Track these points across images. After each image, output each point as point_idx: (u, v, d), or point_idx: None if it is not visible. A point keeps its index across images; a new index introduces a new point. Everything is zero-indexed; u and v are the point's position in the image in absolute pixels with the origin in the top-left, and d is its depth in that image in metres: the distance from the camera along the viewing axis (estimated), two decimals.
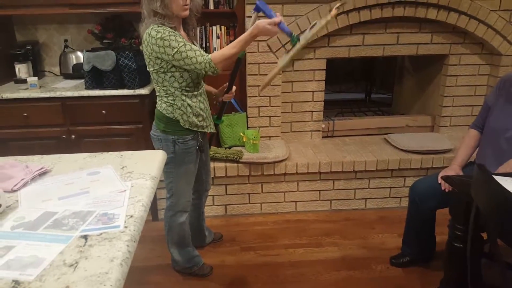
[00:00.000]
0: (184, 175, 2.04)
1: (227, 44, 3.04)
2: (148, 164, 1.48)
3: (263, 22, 1.78)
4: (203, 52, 1.79)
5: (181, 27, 1.93)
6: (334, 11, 1.91)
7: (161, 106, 1.93)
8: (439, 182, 2.09)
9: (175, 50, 1.73)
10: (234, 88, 2.29)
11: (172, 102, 1.89)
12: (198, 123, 1.97)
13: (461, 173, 2.11)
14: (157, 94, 1.95)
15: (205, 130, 2.04)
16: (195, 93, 1.94)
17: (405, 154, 2.96)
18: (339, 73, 3.93)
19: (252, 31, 1.79)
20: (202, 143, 2.07)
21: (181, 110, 1.90)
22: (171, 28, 1.78)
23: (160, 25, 1.76)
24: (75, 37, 3.18)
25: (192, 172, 2.08)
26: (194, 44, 1.94)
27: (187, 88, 1.89)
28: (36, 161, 1.54)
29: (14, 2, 2.76)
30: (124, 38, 2.95)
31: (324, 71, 3.10)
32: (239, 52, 1.82)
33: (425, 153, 2.94)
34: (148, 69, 1.90)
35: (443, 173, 2.13)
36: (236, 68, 2.25)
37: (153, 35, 1.73)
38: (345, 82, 4.06)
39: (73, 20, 3.11)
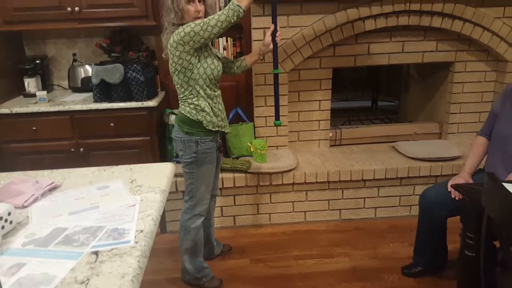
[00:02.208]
0: (205, 176, 2.12)
1: (233, 56, 3.09)
2: (157, 177, 1.49)
3: None
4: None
5: None
6: None
7: (185, 109, 2.03)
8: (449, 190, 2.07)
9: (202, 22, 1.85)
10: (279, 27, 2.30)
11: (196, 103, 2.00)
12: (218, 123, 2.08)
13: (471, 181, 2.09)
14: (181, 97, 2.05)
15: (224, 130, 2.15)
16: (215, 93, 2.07)
17: (414, 162, 2.94)
18: (345, 82, 3.93)
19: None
20: (220, 144, 2.19)
21: (204, 111, 2.01)
22: None
23: None
24: (83, 51, 3.22)
25: (211, 173, 2.15)
26: (213, 50, 2.10)
27: (209, 87, 2.01)
28: (46, 176, 1.56)
29: (23, 17, 2.82)
30: (132, 51, 2.99)
31: (330, 80, 3.10)
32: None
33: (433, 160, 2.92)
34: (173, 75, 1.99)
35: (452, 181, 2.12)
36: (274, 2, 2.26)
37: (179, 31, 1.86)
38: (351, 90, 4.07)
39: (82, 34, 3.16)
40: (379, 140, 3.37)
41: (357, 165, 2.93)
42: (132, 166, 1.63)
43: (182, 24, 1.91)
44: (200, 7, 1.95)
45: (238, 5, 1.87)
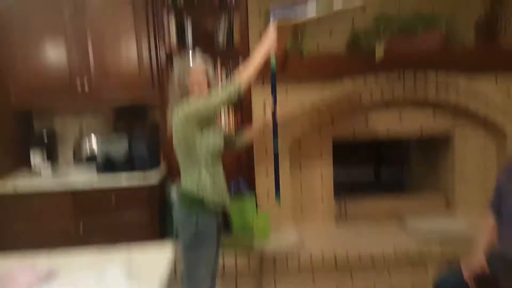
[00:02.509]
0: (205, 258, 2.00)
1: (234, 125, 3.13)
2: (156, 261, 1.46)
3: (270, 41, 2.08)
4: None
5: None
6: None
7: (186, 186, 2.00)
8: (465, 278, 1.96)
9: (206, 100, 1.92)
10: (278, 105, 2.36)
11: (197, 178, 1.96)
12: (219, 198, 2.04)
13: (485, 263, 1.97)
14: (183, 172, 2.03)
15: (224, 205, 2.09)
16: (217, 168, 2.04)
17: (424, 240, 2.83)
18: (346, 153, 3.95)
19: (263, 49, 2.05)
20: (220, 223, 2.11)
21: (206, 188, 1.97)
22: None
23: None
24: (90, 125, 3.31)
25: (212, 255, 2.04)
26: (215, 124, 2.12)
27: (211, 161, 1.99)
28: (43, 258, 1.53)
29: (35, 97, 2.96)
30: (137, 125, 3.06)
31: (331, 153, 3.12)
32: (257, 69, 2.01)
33: (444, 237, 2.82)
34: (176, 149, 2.01)
35: (466, 263, 2.00)
36: (274, 82, 2.33)
37: (183, 108, 1.92)
38: (353, 161, 4.06)
39: (89, 109, 3.28)
40: (386, 214, 3.26)
41: (365, 246, 2.81)
42: (130, 248, 1.59)
43: (187, 100, 1.96)
44: (204, 83, 2.00)
45: (239, 84, 1.94)
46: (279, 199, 2.47)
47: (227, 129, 3.13)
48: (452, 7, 2.90)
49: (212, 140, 1.98)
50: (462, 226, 2.92)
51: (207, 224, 1.98)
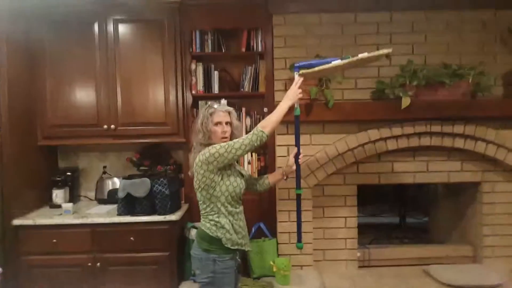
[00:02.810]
0: None
1: (258, 170, 3.15)
2: None
3: (294, 94, 2.12)
4: (249, 136, 1.98)
5: None
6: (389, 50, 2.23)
7: (205, 225, 2.01)
8: None
9: (227, 145, 1.95)
10: (301, 150, 2.32)
11: (217, 220, 1.99)
12: (238, 240, 2.02)
13: None
14: (202, 213, 2.05)
15: (244, 248, 2.07)
16: (237, 210, 2.05)
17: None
18: (371, 196, 3.88)
19: (287, 102, 2.07)
20: (239, 263, 2.09)
21: (224, 228, 1.98)
22: None
23: None
24: (114, 164, 3.35)
25: None
26: (237, 168, 2.15)
27: (231, 204, 2.01)
28: None
29: (62, 134, 3.02)
30: (160, 165, 3.09)
31: (355, 197, 3.07)
32: (279, 119, 2.04)
33: (470, 286, 2.69)
34: (196, 191, 2.03)
35: None
36: (297, 127, 2.32)
37: (204, 152, 1.96)
38: (378, 204, 3.98)
39: (114, 148, 3.32)
40: (410, 262, 3.16)
41: None
42: None
43: (209, 144, 1.99)
44: (227, 128, 2.04)
45: (262, 131, 1.96)
46: (301, 245, 2.39)
47: (250, 172, 3.13)
48: (479, 59, 2.93)
49: (232, 184, 2.00)
50: (491, 277, 2.79)
51: (225, 265, 1.98)
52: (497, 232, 3.07)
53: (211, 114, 2.03)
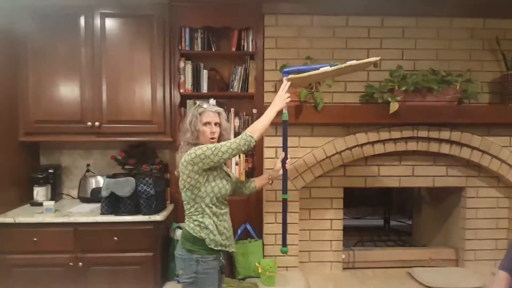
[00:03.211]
0: None
1: (245, 171, 3.13)
2: None
3: (281, 99, 2.11)
4: (236, 141, 1.96)
5: None
6: (376, 58, 2.21)
7: (189, 225, 2.00)
8: None
9: (214, 147, 1.93)
10: (288, 155, 2.31)
11: (201, 220, 1.98)
12: (222, 241, 2.02)
13: None
14: (187, 214, 2.04)
15: (228, 249, 2.06)
16: (222, 211, 2.04)
17: None
18: (357, 198, 3.91)
19: (274, 107, 2.07)
20: (223, 264, 2.08)
21: (208, 228, 1.97)
22: None
23: None
24: (98, 162, 3.27)
25: None
26: (224, 169, 2.14)
27: (215, 205, 2.00)
28: None
29: (44, 130, 2.93)
30: (145, 164, 3.03)
31: (342, 200, 3.09)
32: (267, 125, 2.04)
33: None
34: (181, 191, 2.01)
35: None
36: (285, 132, 2.30)
37: (190, 153, 1.93)
38: (362, 206, 4.02)
39: (98, 146, 3.25)
40: (394, 265, 3.21)
41: None
42: None
43: (197, 144, 1.98)
44: (215, 129, 2.04)
45: (250, 136, 1.95)
46: (286, 249, 2.40)
47: (238, 174, 3.12)
48: (466, 67, 2.97)
49: (218, 185, 2.00)
50: (472, 280, 2.85)
51: (208, 265, 1.98)
52: (479, 236, 3.13)
53: (200, 114, 2.01)
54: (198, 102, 2.12)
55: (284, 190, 2.34)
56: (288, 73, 2.27)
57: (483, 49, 3.03)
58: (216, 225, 1.99)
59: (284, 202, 2.36)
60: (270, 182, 2.33)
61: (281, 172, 2.29)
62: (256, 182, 2.32)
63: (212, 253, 1.98)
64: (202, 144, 1.97)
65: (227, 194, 2.06)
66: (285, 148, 2.30)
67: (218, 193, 1.99)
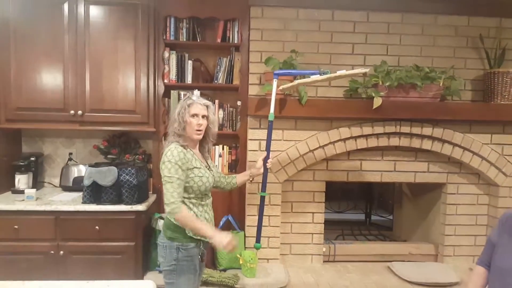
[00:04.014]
0: (187, 286, 2.01)
1: (228, 163, 3.14)
2: None
3: (219, 237, 1.89)
4: (179, 198, 1.92)
5: (197, 147, 2.13)
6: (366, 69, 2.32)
7: (166, 210, 1.99)
8: None
9: (169, 175, 1.92)
10: (271, 154, 2.34)
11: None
12: None
13: None
14: (165, 200, 2.01)
15: (208, 239, 2.04)
16: (202, 203, 2.06)
17: (411, 286, 2.80)
18: (339, 192, 3.94)
19: (210, 234, 1.91)
20: (204, 252, 2.10)
21: None
22: (186, 148, 2.00)
23: (178, 146, 1.97)
24: (80, 151, 3.26)
25: (193, 283, 2.05)
26: (208, 162, 2.15)
27: (196, 197, 2.03)
28: None
29: (25, 117, 2.90)
30: (128, 154, 3.03)
31: (324, 193, 3.11)
32: (194, 230, 1.95)
33: (431, 285, 2.78)
34: (162, 180, 2.00)
35: None
36: (270, 132, 2.32)
37: (168, 155, 1.95)
38: (344, 200, 4.06)
39: (81, 134, 3.23)
40: (374, 259, 3.25)
41: (352, 286, 2.77)
42: (110, 283, 1.52)
43: (181, 136, 2.00)
44: (202, 121, 2.04)
45: (175, 213, 1.90)
46: (259, 245, 2.47)
47: (220, 167, 3.13)
48: (450, 63, 2.99)
49: (197, 182, 1.99)
50: (450, 275, 2.89)
51: (188, 253, 2.00)
52: (458, 232, 3.18)
53: (189, 105, 2.02)
54: (187, 94, 2.13)
55: (263, 188, 2.37)
56: (278, 75, 2.32)
57: (467, 46, 3.05)
58: (196, 215, 2.01)
59: (262, 199, 2.39)
60: (251, 179, 2.36)
61: (262, 170, 2.32)
62: (238, 178, 2.32)
63: (192, 241, 2.00)
64: (186, 135, 2.00)
65: (209, 187, 2.07)
66: (268, 147, 2.32)
67: (197, 190, 2.00)
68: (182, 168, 1.93)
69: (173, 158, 1.92)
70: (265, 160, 2.29)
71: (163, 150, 2.01)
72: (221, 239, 1.89)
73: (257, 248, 2.45)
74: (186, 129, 2.01)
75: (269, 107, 2.45)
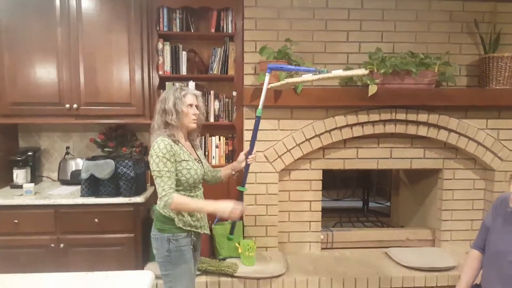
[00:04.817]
0: (183, 276, 2.03)
1: (225, 154, 3.15)
2: (135, 287, 1.40)
3: (223, 204, 1.92)
4: (170, 190, 1.91)
5: (186, 138, 2.13)
6: (364, 71, 2.17)
7: (160, 205, 2.01)
8: None
9: (158, 169, 1.92)
10: (255, 150, 2.32)
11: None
12: (192, 222, 2.04)
13: None
14: (158, 194, 2.02)
15: (199, 230, 2.09)
16: (191, 195, 2.06)
17: (408, 271, 2.83)
18: (336, 180, 3.96)
19: (211, 204, 1.96)
20: (195, 241, 2.10)
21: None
22: (174, 141, 1.97)
23: (165, 139, 1.95)
24: (77, 145, 3.26)
25: (189, 273, 2.07)
26: (197, 152, 2.16)
27: (186, 189, 2.03)
28: (17, 281, 1.45)
29: (21, 112, 2.90)
30: (125, 146, 3.03)
31: (320, 182, 3.12)
32: (194, 210, 2.00)
33: (428, 270, 2.81)
34: (151, 171, 2.00)
35: None
36: (256, 127, 2.30)
37: (155, 149, 1.94)
38: (342, 188, 4.08)
39: (77, 128, 3.23)
40: (372, 245, 3.28)
41: (350, 272, 2.80)
42: (108, 273, 1.54)
43: (174, 127, 1.99)
44: (197, 111, 2.06)
45: (171, 203, 1.89)
46: (232, 237, 2.49)
47: (217, 158, 3.13)
48: (445, 49, 2.97)
49: (185, 175, 1.99)
50: (447, 260, 2.92)
51: (180, 243, 2.00)
52: (455, 217, 3.20)
53: (184, 96, 2.02)
54: (177, 85, 2.12)
55: (243, 183, 2.34)
56: (272, 69, 2.27)
57: (462, 32, 3.04)
58: None
59: (241, 194, 2.36)
60: (233, 173, 2.33)
61: (243, 164, 2.29)
62: (222, 172, 2.31)
63: (183, 231, 2.01)
64: (183, 126, 2.02)
65: (198, 179, 2.07)
66: (253, 142, 2.29)
67: (185, 182, 2.00)
68: (171, 160, 1.93)
69: (160, 151, 1.92)
70: (247, 155, 2.28)
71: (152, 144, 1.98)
72: (224, 208, 1.90)
73: (230, 240, 2.49)
74: (183, 119, 2.01)
75: (265, 96, 2.42)
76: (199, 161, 2.12)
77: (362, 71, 2.20)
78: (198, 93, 2.11)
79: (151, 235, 2.08)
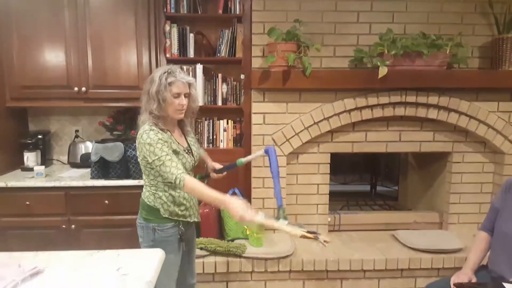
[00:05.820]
0: (166, 267, 1.81)
1: (233, 138, 3.15)
2: (145, 266, 1.43)
3: (238, 203, 1.68)
4: (180, 167, 1.80)
5: (176, 125, 2.00)
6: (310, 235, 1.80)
7: (145, 194, 1.98)
8: None
9: (156, 157, 1.79)
10: (224, 173, 2.29)
11: (155, 191, 1.93)
12: (179, 212, 1.97)
13: (474, 278, 2.02)
14: (144, 182, 1.99)
15: (188, 219, 2.02)
16: (178, 190, 1.95)
17: (415, 253, 2.84)
18: (344, 164, 3.95)
19: (224, 200, 1.71)
20: (183, 232, 2.00)
21: (162, 199, 1.92)
22: (162, 129, 1.85)
23: (152, 127, 1.83)
24: (86, 128, 3.29)
25: (173, 264, 1.96)
26: (189, 138, 2.05)
27: (170, 182, 1.85)
28: (30, 259, 1.49)
29: (31, 95, 2.93)
30: (133, 130, 3.05)
31: (328, 165, 3.12)
32: (203, 199, 1.88)
33: (435, 252, 2.82)
34: (138, 160, 1.94)
35: (455, 277, 2.04)
36: (233, 167, 2.27)
37: (144, 138, 1.81)
38: (349, 172, 4.07)
39: (86, 112, 3.25)
40: (379, 228, 3.29)
41: (357, 254, 2.82)
42: (120, 251, 1.56)
43: (160, 118, 1.85)
44: (185, 101, 1.88)
45: (183, 185, 1.76)
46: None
47: (225, 141, 3.14)
48: (457, 30, 2.91)
49: (171, 167, 1.80)
50: (454, 242, 2.93)
51: (166, 233, 1.93)
52: (463, 200, 3.19)
53: (170, 84, 1.81)
54: (168, 67, 1.88)
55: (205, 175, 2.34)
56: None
57: (475, 12, 2.95)
58: (173, 197, 1.93)
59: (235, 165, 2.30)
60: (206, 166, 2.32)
61: (209, 172, 2.30)
62: (202, 154, 2.25)
63: (169, 222, 1.94)
64: (168, 116, 1.86)
65: (189, 168, 1.96)
66: (226, 169, 2.28)
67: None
68: (165, 145, 1.80)
69: (150, 139, 1.78)
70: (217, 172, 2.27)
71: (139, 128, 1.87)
72: (237, 210, 1.64)
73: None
74: (166, 109, 1.84)
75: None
76: (189, 151, 2.01)
77: (322, 238, 1.79)
78: (191, 80, 1.91)
79: (136, 222, 2.00)
